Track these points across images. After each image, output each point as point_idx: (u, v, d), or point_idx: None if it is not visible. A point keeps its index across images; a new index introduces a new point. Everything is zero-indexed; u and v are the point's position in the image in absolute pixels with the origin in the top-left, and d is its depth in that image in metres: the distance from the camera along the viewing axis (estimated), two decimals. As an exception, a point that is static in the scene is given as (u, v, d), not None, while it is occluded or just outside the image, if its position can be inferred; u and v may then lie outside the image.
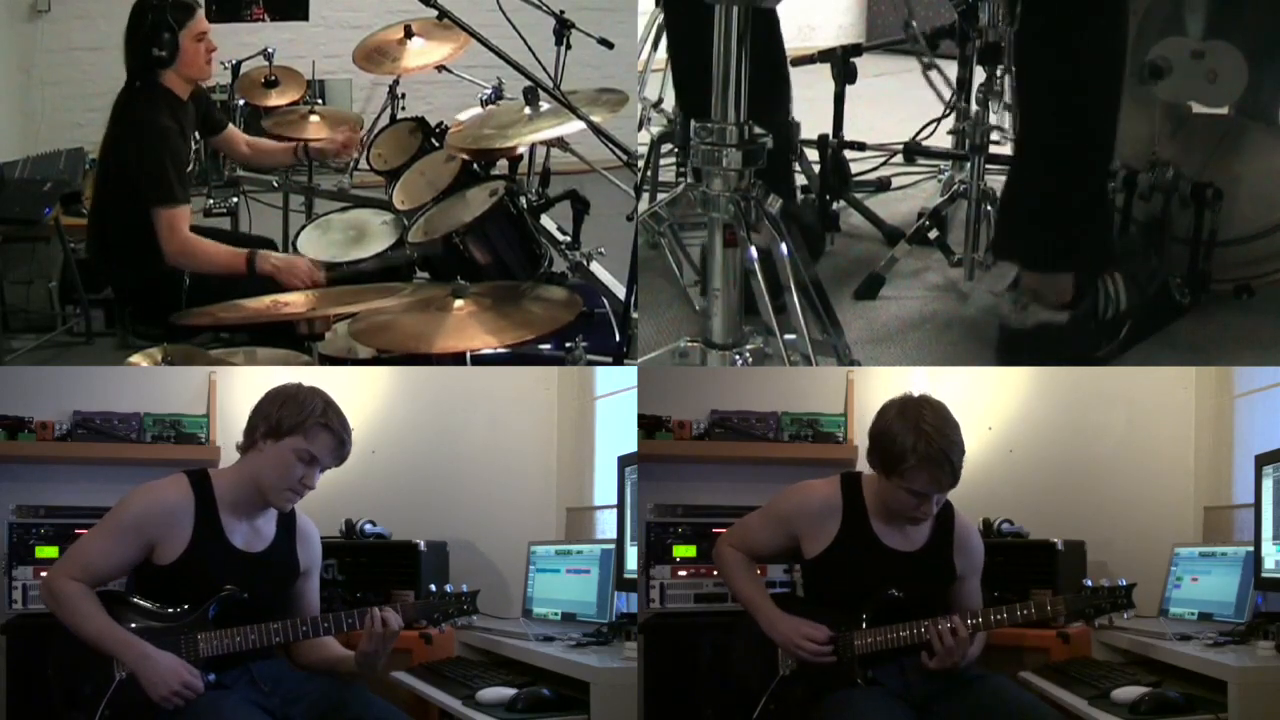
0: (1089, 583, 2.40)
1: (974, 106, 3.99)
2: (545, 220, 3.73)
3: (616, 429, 3.59)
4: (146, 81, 3.52)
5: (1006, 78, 4.17)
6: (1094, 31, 3.08)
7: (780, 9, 3.35)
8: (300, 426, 2.38)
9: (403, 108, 4.56)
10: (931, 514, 2.46)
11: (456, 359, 2.97)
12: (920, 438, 2.35)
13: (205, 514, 2.40)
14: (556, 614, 3.34)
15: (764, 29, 3.56)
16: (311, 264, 3.56)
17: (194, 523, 2.39)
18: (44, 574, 2.53)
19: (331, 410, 2.42)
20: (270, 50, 4.74)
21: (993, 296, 3.80)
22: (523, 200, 3.59)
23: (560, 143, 3.77)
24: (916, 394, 2.47)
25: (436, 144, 4.04)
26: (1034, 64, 3.17)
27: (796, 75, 4.04)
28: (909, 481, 2.39)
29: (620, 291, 3.47)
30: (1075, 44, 3.07)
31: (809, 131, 4.27)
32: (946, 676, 2.41)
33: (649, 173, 4.52)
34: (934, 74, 4.74)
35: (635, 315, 3.20)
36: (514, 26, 3.12)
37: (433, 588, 2.53)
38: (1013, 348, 3.32)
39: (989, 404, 3.50)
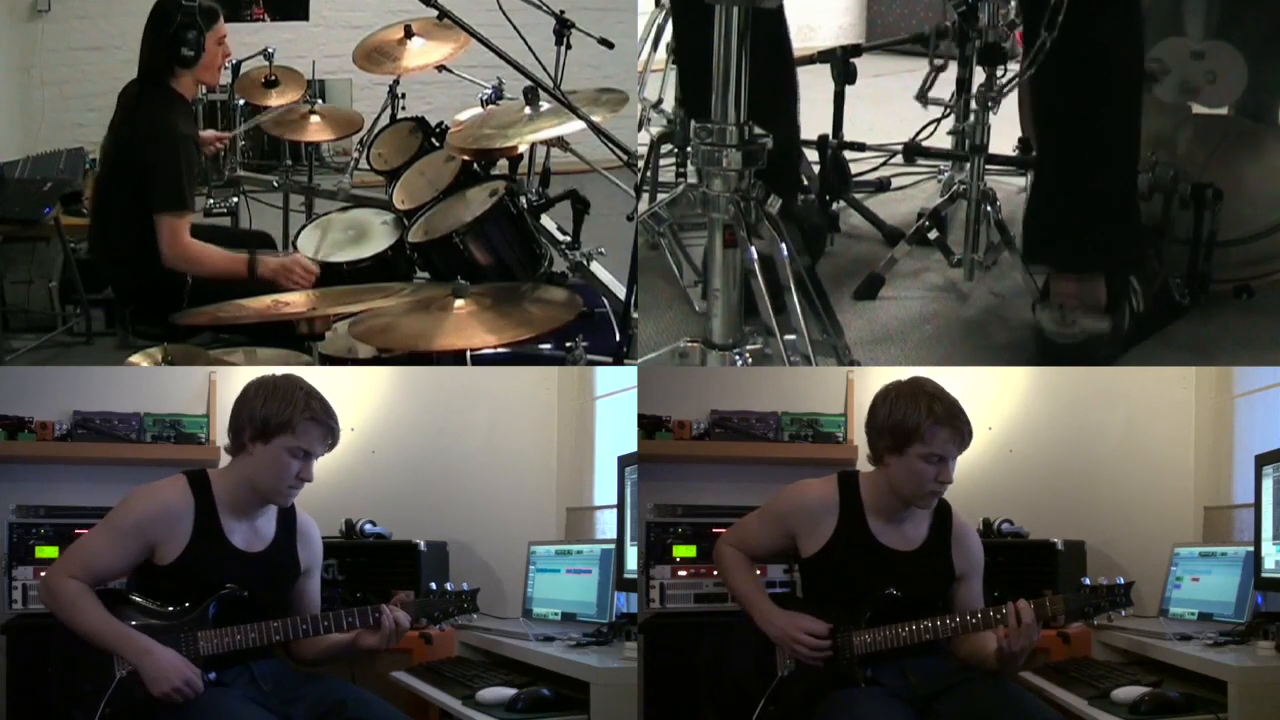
0: (1087, 581, 2.41)
1: (974, 106, 3.99)
2: (545, 220, 3.73)
3: (616, 429, 3.59)
4: (159, 82, 3.52)
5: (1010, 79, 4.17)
6: (1112, 34, 3.09)
7: (781, 9, 3.36)
8: (288, 425, 2.37)
9: (403, 108, 4.55)
10: (950, 482, 2.46)
11: (457, 359, 2.97)
12: (932, 400, 2.42)
13: (204, 515, 2.40)
14: (556, 614, 3.34)
15: (771, 31, 3.56)
16: (307, 260, 3.58)
17: (193, 523, 2.39)
18: (43, 574, 2.53)
19: (314, 400, 2.40)
20: (270, 50, 4.74)
21: (994, 297, 3.81)
22: (523, 200, 3.59)
23: (560, 143, 3.77)
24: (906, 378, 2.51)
25: (436, 144, 4.04)
26: (1054, 71, 3.17)
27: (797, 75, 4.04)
28: (929, 444, 2.40)
29: (620, 291, 3.48)
30: (1094, 48, 3.08)
31: (809, 131, 4.26)
32: (948, 676, 2.41)
33: (649, 173, 4.52)
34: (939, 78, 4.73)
35: (635, 315, 3.21)
36: (514, 26, 3.12)
37: (433, 586, 2.54)
38: (1058, 359, 3.31)
39: (989, 404, 3.49)
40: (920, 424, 2.40)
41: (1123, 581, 2.37)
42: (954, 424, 2.41)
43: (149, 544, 2.37)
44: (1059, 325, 3.25)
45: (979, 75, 3.97)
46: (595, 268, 3.62)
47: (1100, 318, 3.23)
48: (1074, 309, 3.23)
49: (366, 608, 2.43)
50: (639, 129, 5.09)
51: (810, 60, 4.41)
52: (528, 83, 3.16)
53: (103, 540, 2.38)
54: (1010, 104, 3.96)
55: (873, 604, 2.45)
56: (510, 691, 2.62)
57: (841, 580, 2.50)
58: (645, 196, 4.43)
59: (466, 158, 3.71)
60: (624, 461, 3.22)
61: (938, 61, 4.47)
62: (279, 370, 2.49)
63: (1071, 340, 3.24)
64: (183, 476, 2.45)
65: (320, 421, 2.40)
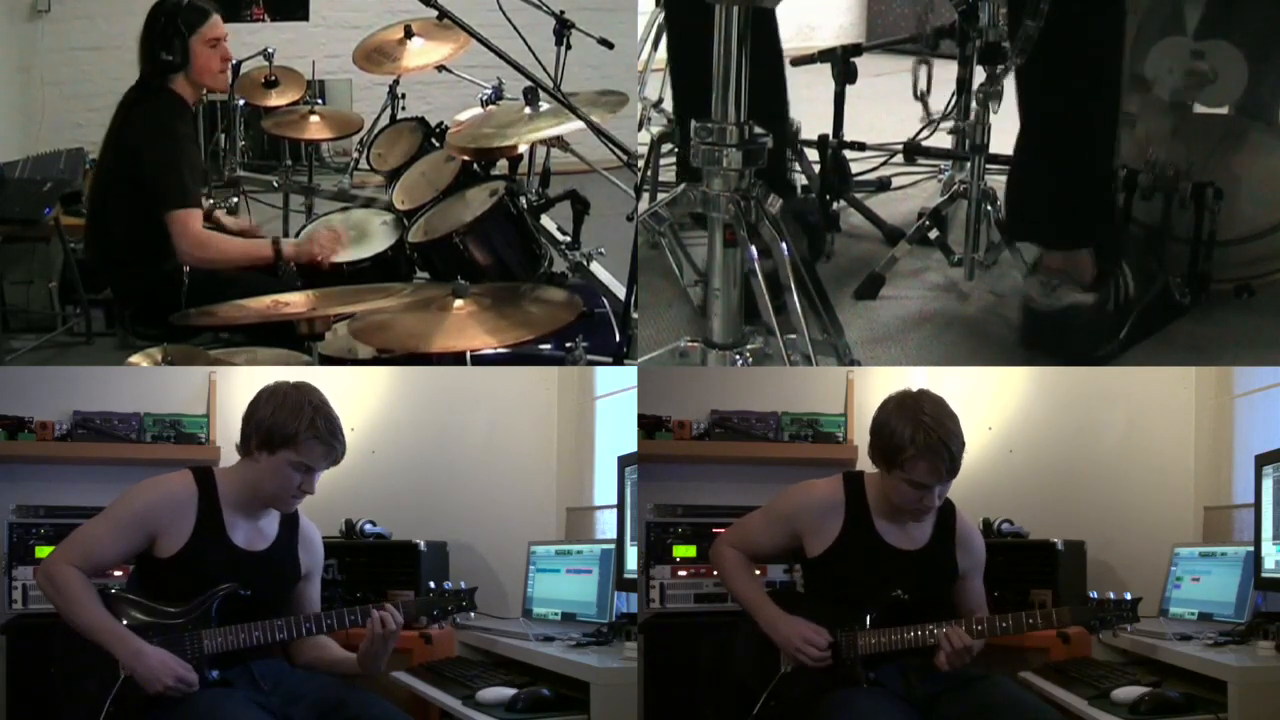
0: (1094, 595, 2.41)
1: (974, 106, 3.99)
2: (545, 220, 3.73)
3: (616, 429, 3.59)
4: (156, 84, 3.51)
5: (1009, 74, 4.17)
6: (1097, 19, 3.13)
7: (780, 9, 3.36)
8: (292, 440, 2.37)
9: (403, 108, 4.56)
10: (934, 506, 2.46)
11: (456, 359, 2.97)
12: (919, 429, 2.37)
13: (208, 510, 2.41)
14: (556, 614, 3.34)
15: (764, 30, 3.57)
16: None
17: (196, 518, 2.39)
18: (42, 559, 2.53)
19: (320, 417, 2.40)
20: (270, 50, 4.74)
21: (994, 296, 3.81)
22: (523, 200, 3.59)
23: (560, 143, 3.78)
24: (915, 389, 2.48)
25: (436, 144, 4.04)
26: (1041, 53, 3.20)
27: (796, 75, 4.04)
28: (909, 473, 2.39)
29: (620, 291, 3.48)
30: (1080, 32, 3.12)
31: (809, 131, 4.27)
32: (948, 676, 2.41)
33: (649, 173, 4.52)
34: (922, 70, 4.74)
35: (635, 315, 3.20)
36: (514, 26, 3.12)
37: (432, 585, 2.54)
38: (1041, 331, 3.33)
39: (989, 404, 3.50)
40: (904, 449, 2.38)
41: (1130, 597, 2.37)
42: (934, 460, 2.37)
43: (150, 534, 2.37)
44: (1042, 294, 3.28)
45: (979, 75, 3.97)
46: (595, 268, 3.62)
47: (1084, 291, 3.25)
48: (1060, 282, 3.26)
49: (356, 607, 2.44)
50: (639, 129, 5.09)
51: (810, 60, 4.40)
52: (528, 83, 3.16)
53: (104, 529, 2.38)
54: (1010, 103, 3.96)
55: (877, 605, 2.45)
56: (510, 691, 2.61)
57: (847, 579, 2.50)
58: (645, 196, 4.43)
59: (466, 158, 3.71)
60: (624, 461, 3.22)
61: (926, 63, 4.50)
62: (290, 376, 2.49)
63: (1053, 308, 3.26)
64: (188, 471, 2.45)
65: (323, 440, 2.39)
